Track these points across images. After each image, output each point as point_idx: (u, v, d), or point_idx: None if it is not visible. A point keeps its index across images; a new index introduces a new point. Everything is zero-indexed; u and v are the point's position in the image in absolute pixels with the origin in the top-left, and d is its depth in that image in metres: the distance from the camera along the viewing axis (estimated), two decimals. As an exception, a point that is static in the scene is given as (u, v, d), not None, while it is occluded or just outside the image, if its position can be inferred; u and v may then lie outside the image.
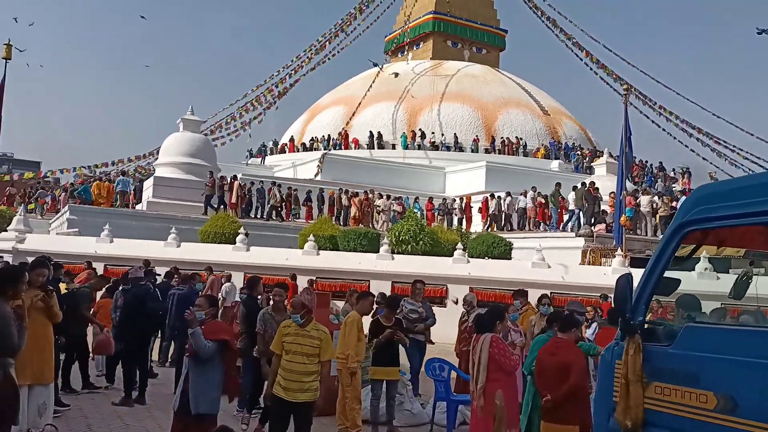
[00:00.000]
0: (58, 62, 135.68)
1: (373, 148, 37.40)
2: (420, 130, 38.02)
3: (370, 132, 38.05)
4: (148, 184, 26.32)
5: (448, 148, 37.46)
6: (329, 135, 39.18)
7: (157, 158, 28.10)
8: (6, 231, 20.14)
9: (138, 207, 25.56)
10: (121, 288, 11.07)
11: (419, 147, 37.32)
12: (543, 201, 25.02)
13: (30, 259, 17.10)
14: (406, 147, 37.33)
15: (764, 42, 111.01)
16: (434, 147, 37.31)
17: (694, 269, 15.70)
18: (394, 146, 37.72)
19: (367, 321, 8.01)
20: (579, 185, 23.80)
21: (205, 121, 34.76)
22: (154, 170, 25.38)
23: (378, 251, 18.80)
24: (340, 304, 13.00)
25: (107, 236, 19.19)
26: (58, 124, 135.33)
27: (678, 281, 4.01)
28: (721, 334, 3.57)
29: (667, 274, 3.96)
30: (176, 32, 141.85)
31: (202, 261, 18.20)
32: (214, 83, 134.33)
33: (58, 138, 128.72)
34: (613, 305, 4.02)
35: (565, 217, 23.61)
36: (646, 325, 3.95)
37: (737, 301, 4.35)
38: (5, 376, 5.63)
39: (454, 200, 27.62)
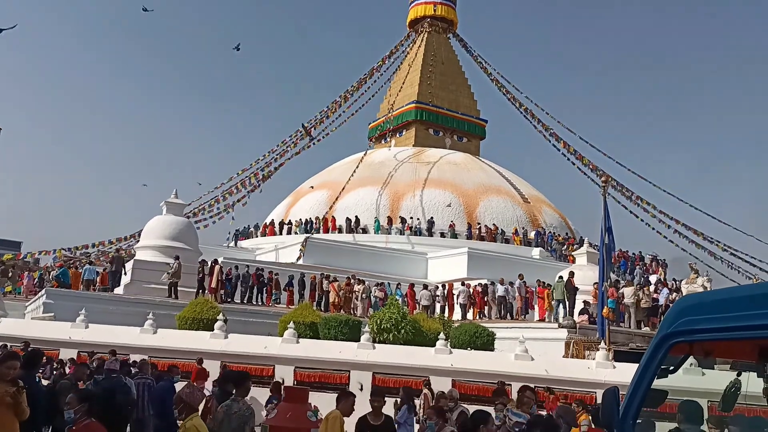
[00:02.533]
0: (42, 142, 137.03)
1: (356, 233, 37.60)
2: (400, 217, 38.51)
3: (356, 217, 38.38)
4: (127, 268, 25.96)
5: (431, 234, 37.78)
6: (309, 218, 39.42)
7: (138, 241, 27.87)
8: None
9: (117, 290, 25.06)
10: (93, 379, 10.73)
11: (401, 232, 37.61)
12: (531, 290, 25.08)
13: (7, 344, 16.70)
14: (378, 231, 37.55)
15: (739, 133, 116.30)
16: (414, 233, 37.63)
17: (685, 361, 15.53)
18: (388, 231, 38.00)
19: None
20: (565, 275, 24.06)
21: (189, 204, 34.89)
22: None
23: (359, 339, 18.46)
24: (319, 395, 12.58)
25: (82, 321, 18.68)
26: (40, 205, 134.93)
27: (666, 393, 3.94)
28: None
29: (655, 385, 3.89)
30: (162, 116, 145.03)
31: (179, 348, 17.73)
32: (200, 167, 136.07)
33: (40, 219, 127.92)
34: (600, 417, 3.92)
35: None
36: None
37: (726, 413, 4.27)
38: None
39: (437, 287, 27.53)
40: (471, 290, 26.27)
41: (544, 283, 25.26)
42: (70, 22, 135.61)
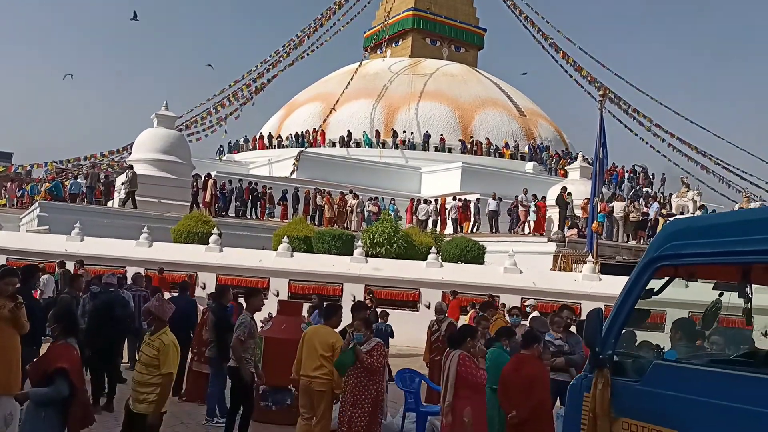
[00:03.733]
0: (34, 54, 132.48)
1: (349, 147, 37.27)
2: (392, 130, 38.02)
3: (348, 131, 37.91)
4: (120, 181, 25.83)
5: (426, 149, 37.51)
6: (302, 131, 38.91)
7: (130, 153, 27.59)
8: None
9: (110, 204, 25.08)
10: (90, 292, 10.91)
11: (396, 146, 37.30)
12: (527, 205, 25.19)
13: (1, 257, 16.84)
14: (368, 145, 37.23)
15: (737, 47, 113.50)
16: (407, 147, 37.33)
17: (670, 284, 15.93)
18: (370, 145, 37.62)
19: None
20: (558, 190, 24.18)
21: (180, 117, 34.26)
22: (129, 166, 24.85)
23: (352, 253, 18.74)
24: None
25: (78, 234, 18.77)
26: (31, 115, 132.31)
27: (648, 313, 4.02)
28: (688, 374, 3.59)
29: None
30: (153, 26, 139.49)
31: (175, 261, 17.99)
32: (191, 79, 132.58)
33: (30, 129, 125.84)
34: (583, 339, 4.01)
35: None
36: (615, 359, 3.96)
37: (705, 331, 4.38)
38: None
39: (434, 201, 27.67)
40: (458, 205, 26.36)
41: (543, 198, 25.40)
42: None
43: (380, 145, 37.30)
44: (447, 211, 26.45)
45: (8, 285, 6.38)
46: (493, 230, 25.21)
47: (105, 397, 9.03)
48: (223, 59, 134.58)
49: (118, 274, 12.88)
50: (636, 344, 4.29)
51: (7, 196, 29.73)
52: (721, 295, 4.27)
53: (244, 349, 7.37)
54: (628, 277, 4.09)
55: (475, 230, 25.94)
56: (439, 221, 26.42)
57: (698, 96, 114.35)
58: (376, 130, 37.89)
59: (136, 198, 23.68)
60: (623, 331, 4.00)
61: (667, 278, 3.96)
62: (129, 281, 12.62)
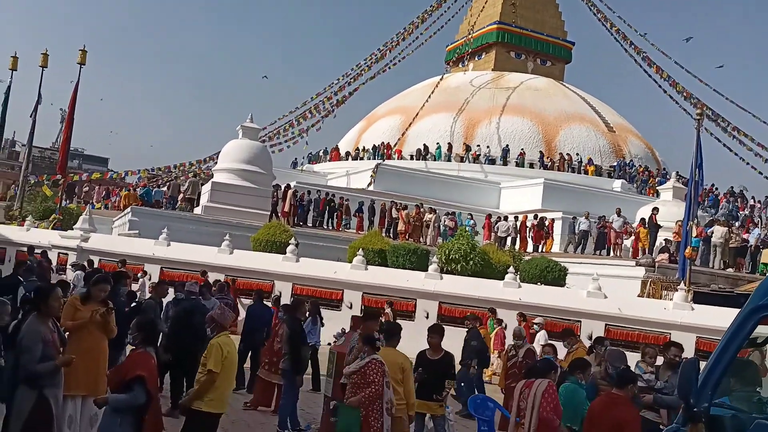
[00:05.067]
0: (130, 67, 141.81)
1: (425, 160, 37.06)
2: (465, 144, 37.39)
3: (424, 145, 37.71)
4: (206, 189, 26.88)
5: (506, 163, 36.70)
6: (380, 143, 39.08)
7: (216, 163, 28.68)
8: (72, 229, 20.87)
9: (196, 210, 26.14)
10: (173, 298, 11.25)
11: (475, 160, 36.72)
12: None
13: (94, 259, 17.84)
14: (440, 158, 36.76)
15: None
16: (488, 161, 36.61)
17: None
18: (448, 158, 37.26)
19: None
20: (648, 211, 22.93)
21: (263, 129, 35.31)
22: (213, 175, 25.88)
23: (426, 268, 18.47)
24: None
25: (165, 239, 19.58)
26: (126, 123, 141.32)
27: (754, 365, 3.55)
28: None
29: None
30: (240, 41, 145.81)
31: (253, 269, 18.41)
32: (275, 92, 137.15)
33: (125, 136, 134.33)
34: (677, 389, 3.58)
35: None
36: (710, 413, 3.50)
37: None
38: (39, 397, 5.68)
39: (516, 217, 26.94)
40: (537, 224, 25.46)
41: (641, 220, 24.16)
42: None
43: (459, 158, 36.80)
44: (527, 228, 25.66)
45: (101, 291, 6.74)
46: (581, 251, 24.17)
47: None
48: (306, 72, 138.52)
49: (201, 282, 13.29)
50: (735, 396, 3.81)
51: (100, 201, 31.62)
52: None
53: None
54: (722, 308, 3.64)
55: (551, 250, 25.06)
56: (518, 239, 25.67)
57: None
58: (449, 143, 37.45)
59: (219, 206, 24.58)
60: (721, 382, 3.55)
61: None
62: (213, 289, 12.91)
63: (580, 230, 24.47)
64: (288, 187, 26.23)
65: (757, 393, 3.68)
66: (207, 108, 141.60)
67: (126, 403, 5.20)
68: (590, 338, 13.55)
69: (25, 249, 18.30)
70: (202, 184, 27.76)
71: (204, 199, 26.19)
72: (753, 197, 35.38)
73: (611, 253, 23.65)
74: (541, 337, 13.57)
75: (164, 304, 11.11)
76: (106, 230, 25.53)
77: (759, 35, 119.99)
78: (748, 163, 39.11)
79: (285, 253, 19.00)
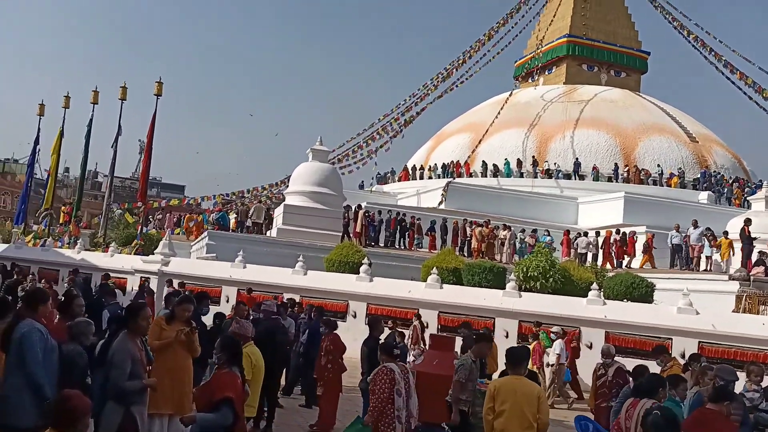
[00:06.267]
0: (207, 95, 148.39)
1: (496, 177, 36.38)
2: (532, 158, 36.44)
3: (494, 164, 37.07)
4: (278, 212, 27.35)
5: (583, 177, 35.51)
6: (451, 162, 38.73)
7: (287, 186, 29.18)
8: (153, 254, 21.62)
9: (269, 233, 26.61)
10: (251, 318, 11.31)
11: (550, 175, 35.74)
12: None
13: (174, 281, 18.37)
14: (509, 175, 35.98)
15: None
16: (562, 176, 35.56)
17: None
18: (522, 174, 36.42)
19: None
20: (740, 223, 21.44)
21: (332, 151, 35.78)
22: (284, 198, 26.28)
23: (503, 286, 17.87)
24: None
25: (241, 262, 19.94)
26: (202, 151, 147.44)
27: None
28: None
29: None
30: (310, 64, 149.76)
31: (327, 289, 18.40)
32: (344, 113, 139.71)
33: (200, 164, 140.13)
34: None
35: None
36: None
37: None
38: (127, 413, 5.69)
39: (597, 233, 25.87)
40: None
41: (724, 233, 22.70)
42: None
43: (532, 174, 35.93)
44: (610, 244, 24.54)
45: (185, 311, 6.82)
46: (677, 266, 22.88)
47: (264, 421, 9.22)
48: (374, 94, 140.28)
49: (279, 301, 13.35)
50: None
51: (181, 227, 32.79)
52: None
53: (462, 391, 7.32)
54: None
55: (634, 265, 23.82)
56: (600, 255, 24.55)
57: None
58: (518, 159, 36.61)
59: (292, 228, 24.94)
60: None
61: None
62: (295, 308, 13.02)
63: (672, 244, 23.19)
64: (359, 207, 26.28)
65: None
66: (279, 132, 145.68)
67: (214, 423, 5.15)
68: (683, 356, 12.68)
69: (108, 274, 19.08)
70: (269, 209, 28.31)
71: (278, 222, 26.63)
72: None
73: (697, 267, 22.24)
74: (557, 347, 13.19)
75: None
76: (185, 254, 26.36)
77: None
78: None
79: (358, 273, 18.91)
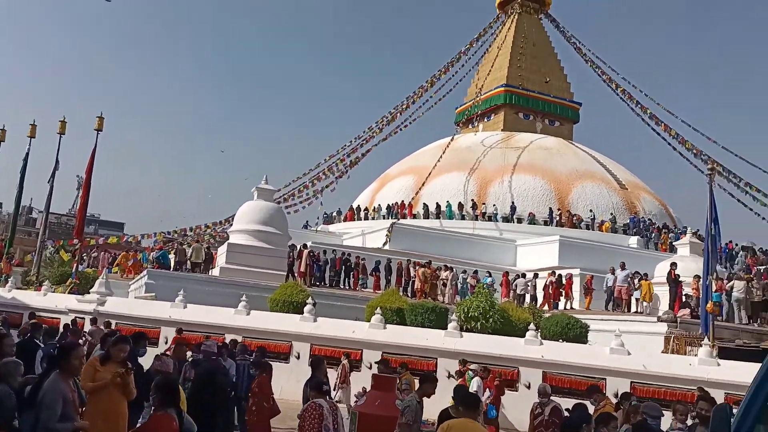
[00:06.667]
0: (146, 131, 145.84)
1: (436, 218, 37.27)
2: (472, 200, 37.65)
3: (437, 204, 38.03)
4: (222, 251, 27.09)
5: (520, 221, 36.83)
6: (394, 203, 39.46)
7: (231, 225, 29.01)
8: (89, 293, 20.98)
9: (211, 272, 26.24)
10: (191, 359, 11.17)
11: (490, 218, 36.89)
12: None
13: (111, 321, 17.87)
14: (451, 217, 37.03)
15: None
16: (500, 218, 36.78)
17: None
18: (463, 217, 37.45)
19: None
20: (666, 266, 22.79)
21: (278, 190, 35.84)
22: (228, 237, 26.10)
23: (445, 326, 18.28)
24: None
25: (181, 301, 19.60)
26: (141, 188, 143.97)
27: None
28: None
29: None
30: (255, 104, 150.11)
31: (271, 330, 18.30)
32: (290, 154, 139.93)
33: (140, 201, 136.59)
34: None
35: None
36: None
37: None
38: None
39: (535, 275, 26.79)
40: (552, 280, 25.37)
41: (646, 275, 24.02)
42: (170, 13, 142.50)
43: (473, 216, 36.99)
44: (547, 285, 25.50)
45: (120, 351, 6.68)
46: (612, 308, 23.89)
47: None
48: (320, 135, 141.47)
49: (219, 342, 13.18)
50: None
51: (119, 265, 31.86)
52: None
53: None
54: (751, 364, 3.59)
55: (569, 306, 24.79)
56: (539, 297, 25.46)
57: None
58: (459, 202, 37.74)
59: (235, 267, 24.72)
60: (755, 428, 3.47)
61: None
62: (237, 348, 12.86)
63: (608, 287, 24.27)
64: (304, 246, 26.39)
65: None
66: (223, 171, 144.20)
67: None
68: (616, 396, 13.25)
69: (48, 315, 18.38)
70: (209, 248, 28.04)
71: (221, 261, 26.34)
72: (766, 251, 34.87)
73: (627, 308, 23.37)
74: (474, 384, 13.48)
75: (182, 366, 11.01)
76: (123, 294, 25.63)
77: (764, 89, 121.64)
78: (763, 218, 38.90)
79: (302, 313, 18.93)
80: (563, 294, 25.43)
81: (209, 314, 19.09)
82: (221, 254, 26.88)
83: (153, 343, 16.93)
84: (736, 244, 34.90)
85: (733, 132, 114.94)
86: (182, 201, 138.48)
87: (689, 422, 8.61)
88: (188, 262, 25.90)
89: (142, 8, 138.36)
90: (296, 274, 25.43)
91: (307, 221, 44.24)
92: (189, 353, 11.76)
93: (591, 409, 9.86)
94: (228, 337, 16.41)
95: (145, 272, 25.19)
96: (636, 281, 23.53)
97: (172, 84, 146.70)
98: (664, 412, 8.37)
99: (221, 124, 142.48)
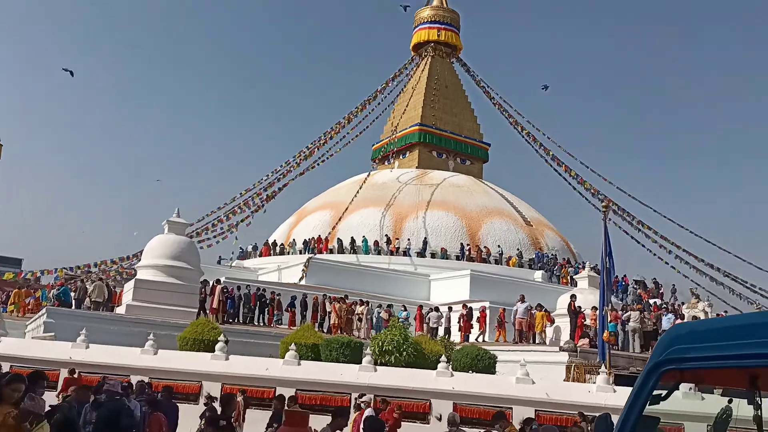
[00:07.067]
0: (46, 162, 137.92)
1: (351, 253, 37.71)
2: (386, 236, 38.53)
3: (352, 237, 38.49)
4: (128, 287, 26.05)
5: (434, 255, 37.88)
6: (311, 238, 39.57)
7: (140, 260, 28.03)
8: (-20, 333, 19.59)
9: (118, 310, 25.15)
10: (92, 401, 10.72)
11: (403, 253, 37.69)
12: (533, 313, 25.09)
13: (3, 364, 16.70)
14: (367, 252, 37.69)
15: (735, 158, 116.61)
16: (411, 254, 37.74)
17: (678, 388, 15.55)
18: (379, 252, 38.05)
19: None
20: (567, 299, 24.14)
21: (191, 225, 35.04)
22: (136, 272, 25.19)
23: (360, 361, 18.44)
24: (321, 419, 12.58)
25: (83, 341, 18.67)
26: (41, 221, 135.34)
27: (658, 419, 4.00)
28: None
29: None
30: (166, 137, 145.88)
31: (179, 370, 17.74)
32: (204, 187, 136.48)
33: (40, 236, 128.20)
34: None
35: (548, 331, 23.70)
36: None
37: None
38: None
39: (450, 308, 27.54)
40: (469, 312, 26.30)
41: (542, 307, 25.37)
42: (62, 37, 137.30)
43: (390, 252, 37.69)
44: (459, 318, 26.33)
45: (14, 391, 6.39)
46: (519, 340, 24.89)
47: None
48: (234, 170, 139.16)
49: (124, 382, 12.70)
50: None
51: (15, 303, 29.88)
52: (730, 401, 4.26)
53: None
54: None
55: (481, 338, 25.69)
56: (453, 329, 26.21)
57: (702, 206, 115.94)
58: (375, 240, 38.44)
59: (143, 304, 23.83)
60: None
61: (674, 383, 3.98)
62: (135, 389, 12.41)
63: (516, 318, 25.32)
64: (217, 282, 25.87)
65: None
66: (132, 205, 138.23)
67: None
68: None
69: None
70: (114, 286, 26.95)
71: (127, 298, 25.32)
72: (657, 284, 37.68)
73: (531, 339, 24.54)
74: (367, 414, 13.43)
75: (84, 409, 10.55)
76: (19, 334, 24.04)
77: (651, 130, 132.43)
78: (654, 254, 42.09)
79: (214, 351, 18.52)
80: (478, 327, 26.28)
81: (113, 354, 18.27)
82: (128, 291, 25.84)
83: (52, 387, 15.98)
84: (634, 279, 37.49)
85: (627, 173, 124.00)
86: (87, 237, 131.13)
87: None
88: (88, 299, 24.67)
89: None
90: (208, 311, 24.83)
91: (220, 256, 43.39)
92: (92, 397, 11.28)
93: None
94: (134, 379, 15.77)
95: (44, 310, 23.79)
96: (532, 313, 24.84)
97: (77, 110, 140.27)
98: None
99: (132, 155, 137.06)
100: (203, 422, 6.93)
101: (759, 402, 4.02)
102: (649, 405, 3.97)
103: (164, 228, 27.60)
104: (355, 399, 14.77)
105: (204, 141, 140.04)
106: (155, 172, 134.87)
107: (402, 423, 14.92)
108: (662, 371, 3.90)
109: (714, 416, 4.53)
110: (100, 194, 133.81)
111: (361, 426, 7.03)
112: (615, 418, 4.20)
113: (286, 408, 12.03)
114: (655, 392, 3.96)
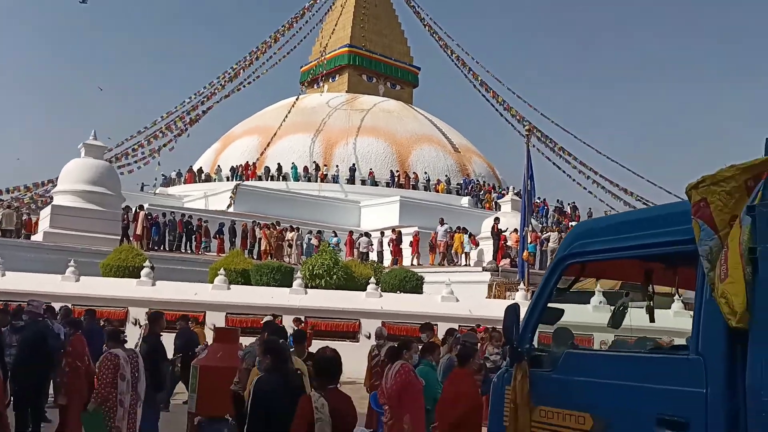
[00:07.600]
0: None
1: (278, 180, 37.31)
2: (314, 162, 38.32)
3: (279, 164, 37.95)
4: (45, 214, 24.88)
5: (363, 182, 38.02)
6: (239, 164, 38.71)
7: (56, 185, 26.67)
8: None
9: (34, 237, 24.08)
10: (10, 325, 10.37)
11: (334, 180, 37.63)
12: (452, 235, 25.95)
13: None
14: (297, 179, 37.45)
15: (663, 88, 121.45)
16: (340, 180, 37.75)
17: (588, 302, 16.75)
18: (308, 178, 37.80)
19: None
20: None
21: (110, 149, 33.43)
22: (52, 199, 23.97)
23: (290, 285, 18.68)
24: (251, 341, 12.76)
25: (-1, 269, 17.91)
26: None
27: (561, 311, 4.34)
28: (595, 359, 3.90)
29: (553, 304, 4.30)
30: (81, 51, 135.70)
31: (104, 296, 17.41)
32: (124, 110, 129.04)
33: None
34: (502, 331, 4.29)
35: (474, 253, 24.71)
36: (533, 353, 4.25)
37: (615, 330, 4.76)
38: None
39: (382, 233, 28.00)
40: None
41: (460, 228, 26.24)
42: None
43: (320, 179, 37.49)
44: (389, 242, 26.91)
45: None
46: (442, 261, 25.71)
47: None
48: (156, 90, 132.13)
49: (45, 306, 12.31)
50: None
51: None
52: (626, 295, 4.66)
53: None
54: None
55: (415, 263, 26.49)
56: (385, 254, 26.81)
57: (620, 133, 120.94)
58: (305, 167, 38.08)
59: (61, 231, 22.90)
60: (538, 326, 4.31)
61: (576, 276, 4.30)
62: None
63: (437, 241, 26.11)
64: (140, 208, 25.07)
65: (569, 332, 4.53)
66: (44, 125, 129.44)
67: None
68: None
69: None
70: (25, 213, 25.66)
71: (44, 225, 24.22)
72: (575, 208, 39.57)
73: (450, 261, 25.53)
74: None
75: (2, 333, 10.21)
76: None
77: (576, 61, 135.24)
78: (573, 179, 43.95)
79: (139, 277, 18.22)
80: (411, 251, 26.97)
81: (32, 281, 17.64)
82: (44, 218, 24.69)
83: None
84: (558, 202, 39.18)
85: (551, 100, 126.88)
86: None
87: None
88: (-1, 229, 23.46)
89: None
90: (132, 238, 24.18)
91: (143, 183, 41.83)
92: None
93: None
94: (57, 306, 15.36)
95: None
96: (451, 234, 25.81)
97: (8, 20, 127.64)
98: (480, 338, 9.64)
99: (47, 73, 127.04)
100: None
101: (651, 293, 4.41)
102: (555, 298, 4.29)
103: (81, 151, 26.21)
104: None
105: (124, 60, 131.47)
106: (71, 91, 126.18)
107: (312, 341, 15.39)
108: (566, 265, 4.21)
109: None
110: (12, 118, 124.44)
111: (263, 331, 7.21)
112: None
113: (214, 326, 12.11)
114: (560, 286, 4.28)
